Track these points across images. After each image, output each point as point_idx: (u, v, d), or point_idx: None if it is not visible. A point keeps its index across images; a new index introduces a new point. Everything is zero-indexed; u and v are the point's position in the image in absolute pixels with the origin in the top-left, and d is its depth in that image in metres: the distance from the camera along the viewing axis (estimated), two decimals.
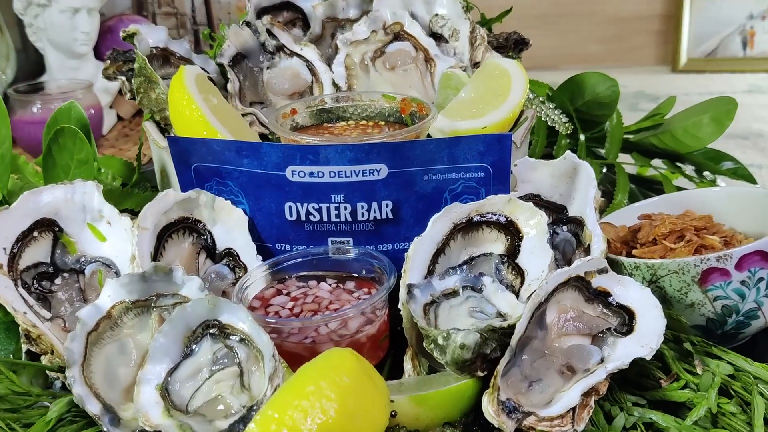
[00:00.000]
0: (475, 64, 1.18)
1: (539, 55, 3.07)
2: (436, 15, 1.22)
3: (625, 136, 1.35)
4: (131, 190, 1.10)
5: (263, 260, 0.92)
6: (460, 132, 0.96)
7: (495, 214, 0.89)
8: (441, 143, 0.88)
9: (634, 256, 0.93)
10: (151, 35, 1.12)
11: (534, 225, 0.87)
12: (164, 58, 1.14)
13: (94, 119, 1.92)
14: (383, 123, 1.08)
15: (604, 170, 1.36)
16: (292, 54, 1.20)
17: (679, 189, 1.27)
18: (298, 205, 0.90)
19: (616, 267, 0.91)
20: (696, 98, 1.32)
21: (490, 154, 0.89)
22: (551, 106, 1.13)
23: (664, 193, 1.23)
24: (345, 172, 0.87)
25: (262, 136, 1.06)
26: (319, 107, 1.08)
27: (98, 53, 2.17)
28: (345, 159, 0.87)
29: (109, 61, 1.14)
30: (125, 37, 1.08)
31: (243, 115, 1.10)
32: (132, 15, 2.34)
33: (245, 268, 0.91)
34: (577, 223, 0.94)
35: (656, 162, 1.36)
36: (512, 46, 1.25)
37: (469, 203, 0.88)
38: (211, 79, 1.16)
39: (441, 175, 0.90)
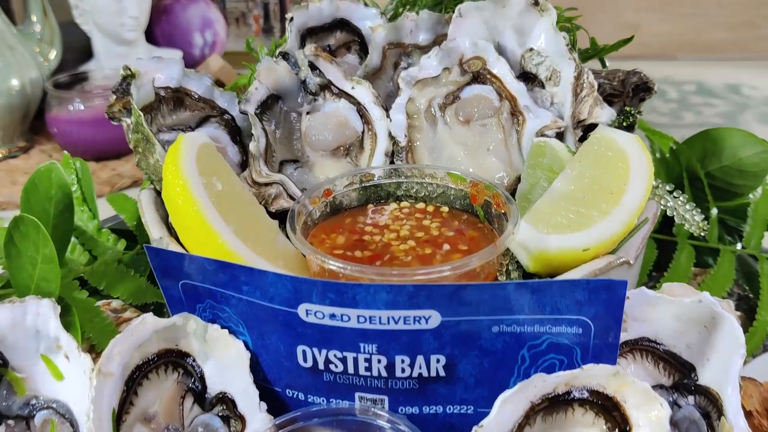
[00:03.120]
0: (579, 123, 0.88)
1: (654, 41, 2.67)
2: (531, 50, 0.92)
3: None
4: (128, 271, 0.88)
5: (268, 409, 0.68)
6: (550, 253, 0.69)
7: (593, 391, 0.62)
8: (520, 289, 0.61)
9: None
10: (162, 71, 0.88)
11: (650, 419, 0.60)
12: (177, 100, 0.90)
13: None
14: (446, 209, 0.81)
15: (739, 247, 1.04)
16: (341, 94, 0.93)
17: None
18: (315, 350, 0.65)
19: None
20: None
21: (593, 305, 0.61)
22: (682, 199, 0.82)
23: None
24: (380, 318, 0.62)
25: (285, 215, 0.80)
26: (364, 184, 0.82)
27: (152, 37, 1.97)
28: (380, 302, 0.61)
29: (114, 96, 0.91)
30: (124, 77, 0.85)
31: (267, 184, 0.86)
32: None
33: (243, 421, 0.68)
34: (710, 399, 0.66)
35: None
36: (630, 93, 0.94)
37: (556, 375, 0.61)
38: (235, 131, 0.92)
39: (518, 327, 0.63)
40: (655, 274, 0.98)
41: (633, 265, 0.73)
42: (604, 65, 1.06)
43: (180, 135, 0.74)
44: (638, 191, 0.72)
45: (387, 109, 0.93)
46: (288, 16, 0.96)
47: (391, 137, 0.91)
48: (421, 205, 0.82)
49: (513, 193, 0.83)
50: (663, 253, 1.00)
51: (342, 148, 0.93)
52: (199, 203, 0.69)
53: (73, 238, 0.95)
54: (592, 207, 0.71)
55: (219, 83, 1.92)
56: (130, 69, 0.84)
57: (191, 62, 1.97)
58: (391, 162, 0.91)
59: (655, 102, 2.24)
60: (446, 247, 0.73)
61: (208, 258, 0.65)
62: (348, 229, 0.78)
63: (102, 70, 1.80)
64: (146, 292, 0.84)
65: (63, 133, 1.64)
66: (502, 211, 0.74)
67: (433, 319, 0.62)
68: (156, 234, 0.75)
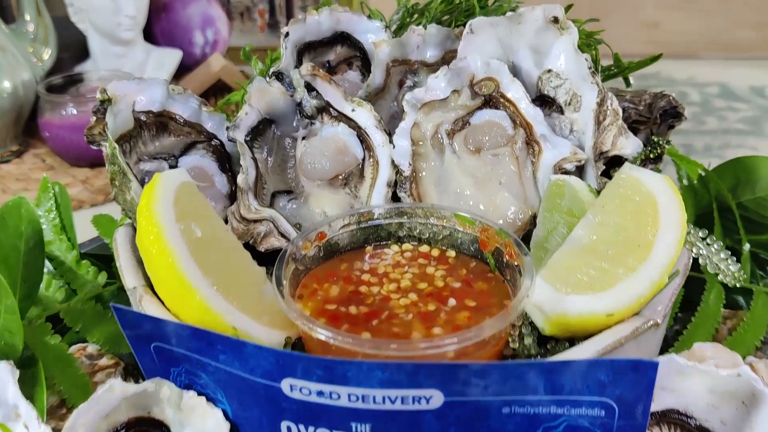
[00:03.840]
0: (601, 155, 0.80)
1: (676, 40, 2.56)
2: (549, 71, 0.84)
3: None
4: (105, 312, 0.81)
5: None
6: (569, 317, 0.61)
7: None
8: (535, 369, 0.53)
9: None
10: (143, 93, 0.81)
11: None
12: (160, 125, 0.82)
13: None
14: (453, 254, 0.73)
15: None
16: (340, 117, 0.85)
17: None
18: (301, 427, 0.58)
19: None
20: None
21: (618, 386, 0.54)
22: (716, 247, 0.74)
23: None
24: (374, 397, 0.54)
25: (275, 255, 0.72)
26: (362, 225, 0.74)
27: (151, 36, 1.89)
28: (374, 380, 0.54)
29: (94, 118, 0.83)
30: (101, 101, 0.77)
31: (256, 221, 0.78)
32: None
33: None
34: None
35: None
36: (658, 119, 0.86)
37: None
38: (224, 157, 0.85)
39: (532, 408, 0.55)
40: (681, 315, 0.90)
41: (660, 324, 0.65)
42: (628, 84, 0.98)
43: (156, 174, 0.67)
44: (669, 245, 0.64)
45: (390, 134, 0.85)
46: (283, 31, 0.88)
47: (394, 166, 0.83)
48: (425, 248, 0.74)
49: (528, 235, 0.75)
50: (689, 291, 0.91)
51: (340, 177, 0.85)
52: (175, 254, 0.62)
53: (50, 270, 0.88)
54: (617, 263, 0.63)
55: (221, 83, 1.85)
56: (106, 92, 0.77)
57: (192, 62, 1.89)
58: (394, 193, 0.83)
59: None
60: (452, 302, 0.66)
61: (180, 323, 0.57)
62: (343, 277, 0.70)
63: (98, 71, 1.72)
64: (123, 340, 0.77)
65: (56, 138, 1.57)
66: (515, 263, 0.66)
67: (434, 398, 0.54)
68: (130, 283, 0.68)
